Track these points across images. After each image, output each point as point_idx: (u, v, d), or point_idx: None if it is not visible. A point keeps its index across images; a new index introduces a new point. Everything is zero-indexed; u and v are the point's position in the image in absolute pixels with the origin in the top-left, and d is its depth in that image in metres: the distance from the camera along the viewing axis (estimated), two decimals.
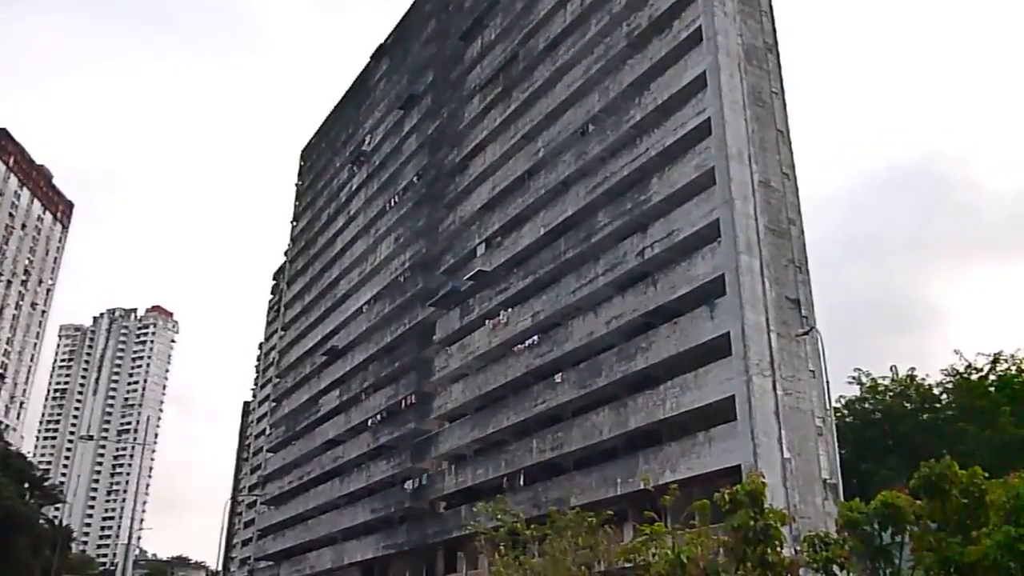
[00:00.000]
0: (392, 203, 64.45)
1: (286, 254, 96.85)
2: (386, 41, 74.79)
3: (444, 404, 49.81)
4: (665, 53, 39.09)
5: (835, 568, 14.56)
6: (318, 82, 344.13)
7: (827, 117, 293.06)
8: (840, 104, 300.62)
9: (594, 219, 40.91)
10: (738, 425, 30.72)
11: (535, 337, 43.23)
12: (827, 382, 30.68)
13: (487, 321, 47.29)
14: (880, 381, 43.40)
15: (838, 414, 37.60)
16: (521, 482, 41.40)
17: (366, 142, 72.96)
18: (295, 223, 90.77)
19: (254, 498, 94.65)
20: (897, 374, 43.24)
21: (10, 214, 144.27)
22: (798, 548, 15.90)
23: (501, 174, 49.86)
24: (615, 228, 39.41)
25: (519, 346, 44.35)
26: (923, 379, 43.45)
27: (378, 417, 58.59)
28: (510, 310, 45.42)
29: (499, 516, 31.22)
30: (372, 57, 77.24)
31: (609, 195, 40.56)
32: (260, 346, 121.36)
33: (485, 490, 42.93)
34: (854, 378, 43.89)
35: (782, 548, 12.48)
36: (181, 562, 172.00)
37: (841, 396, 43.36)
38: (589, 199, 41.63)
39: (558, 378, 40.40)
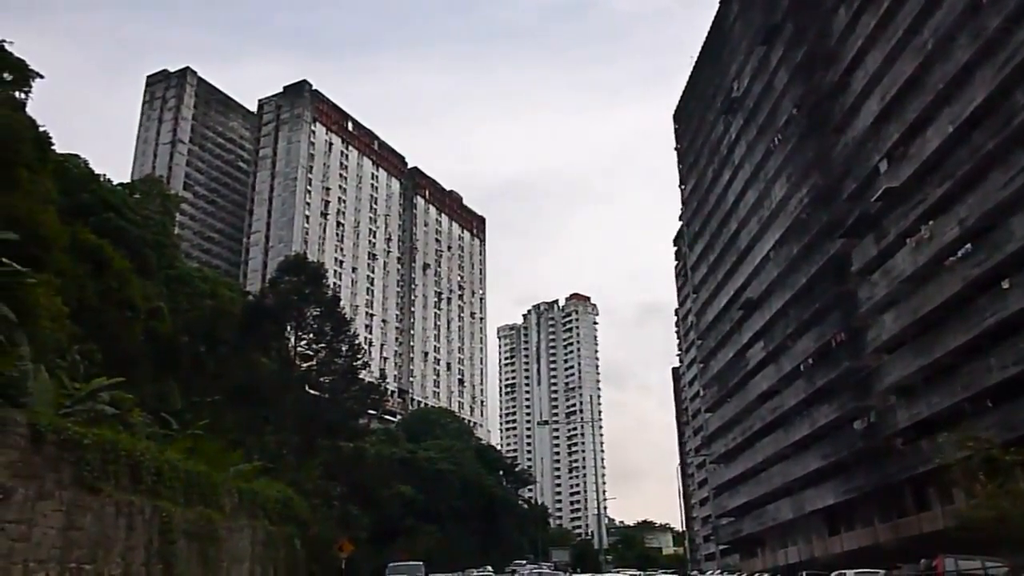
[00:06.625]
0: (775, 142, 62.34)
1: (681, 218, 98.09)
2: None
3: (878, 336, 46.95)
4: None
5: None
6: (673, 48, 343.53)
7: None
8: None
9: (1012, 100, 35.82)
10: None
11: (967, 246, 39.06)
12: None
13: (907, 240, 43.78)
14: None
15: None
16: (988, 404, 37.65)
17: (735, 89, 71.47)
18: (683, 187, 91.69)
19: (702, 458, 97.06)
20: None
21: (436, 239, 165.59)
22: None
23: (889, 80, 45.76)
24: None
25: (950, 259, 40.41)
26: None
27: (809, 361, 57.07)
28: (931, 223, 41.55)
29: (969, 444, 28.74)
30: (721, 2, 75.37)
31: (1023, 69, 35.30)
32: (676, 312, 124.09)
33: (943, 419, 39.77)
34: None
35: None
36: (647, 526, 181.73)
37: None
38: (999, 79, 36.51)
39: (1005, 284, 36.05)
